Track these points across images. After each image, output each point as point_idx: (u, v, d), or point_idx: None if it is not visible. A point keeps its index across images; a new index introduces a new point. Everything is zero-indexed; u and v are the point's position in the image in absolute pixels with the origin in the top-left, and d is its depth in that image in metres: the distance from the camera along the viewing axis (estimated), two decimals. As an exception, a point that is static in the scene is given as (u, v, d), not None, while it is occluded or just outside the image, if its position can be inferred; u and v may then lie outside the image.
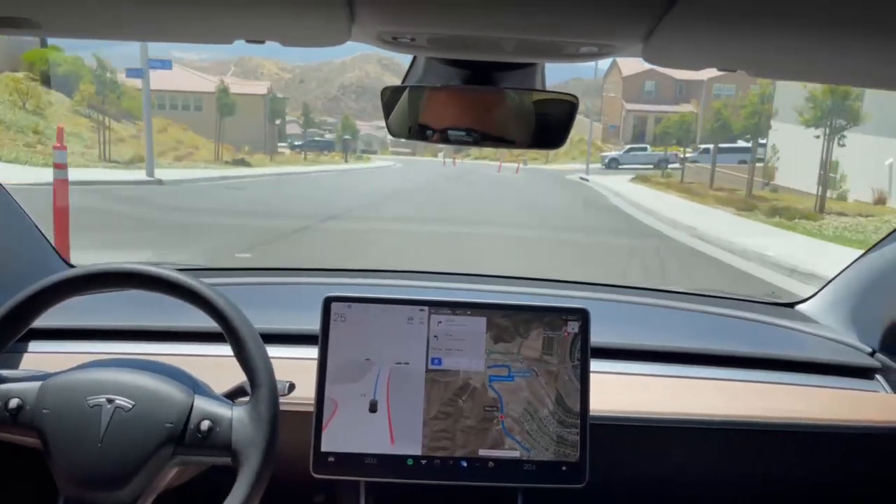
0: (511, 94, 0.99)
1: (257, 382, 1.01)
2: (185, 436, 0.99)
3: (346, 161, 37.10)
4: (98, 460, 0.98)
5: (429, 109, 1.01)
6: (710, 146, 29.64)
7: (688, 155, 31.57)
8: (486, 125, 0.99)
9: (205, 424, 0.99)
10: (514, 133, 1.02)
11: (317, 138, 45.67)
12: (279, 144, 40.86)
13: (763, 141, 28.44)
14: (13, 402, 1.01)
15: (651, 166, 32.61)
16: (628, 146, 39.00)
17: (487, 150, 44.66)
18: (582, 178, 26.94)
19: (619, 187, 21.35)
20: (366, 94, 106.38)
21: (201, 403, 1.02)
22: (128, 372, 1.03)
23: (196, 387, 1.05)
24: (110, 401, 0.99)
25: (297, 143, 42.24)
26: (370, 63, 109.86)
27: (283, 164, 29.48)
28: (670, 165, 31.39)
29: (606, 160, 35.55)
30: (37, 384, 1.02)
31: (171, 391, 1.02)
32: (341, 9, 0.61)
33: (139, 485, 0.98)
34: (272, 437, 0.99)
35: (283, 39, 0.73)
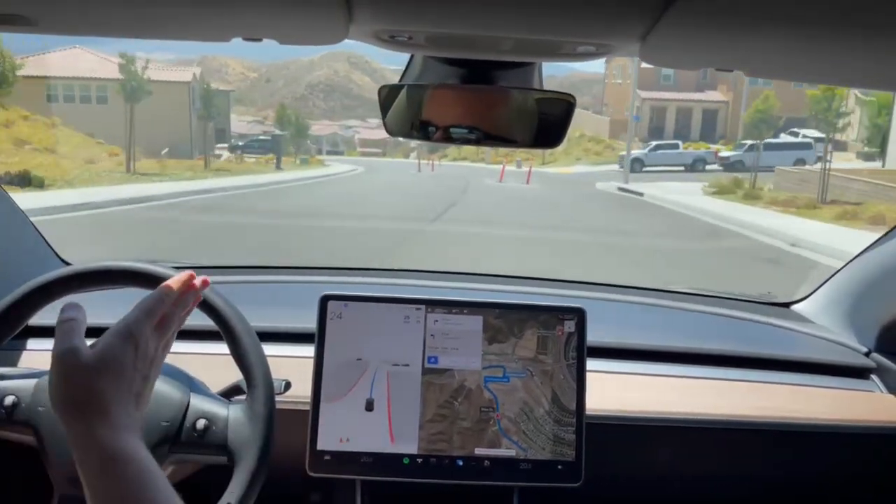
0: (513, 92, 0.99)
1: (253, 382, 1.00)
2: (181, 434, 0.99)
3: (278, 167, 25.98)
4: None
5: (430, 107, 1.00)
6: (760, 142, 24.17)
7: (727, 153, 26.65)
8: (488, 124, 0.99)
9: (201, 423, 0.99)
10: (515, 132, 1.01)
11: (261, 137, 37.98)
12: (220, 146, 34.20)
13: (818, 134, 21.44)
14: (9, 400, 1.00)
15: (682, 168, 27.53)
16: (654, 143, 31.05)
17: (467, 150, 40.85)
18: (624, 190, 19.02)
19: (722, 209, 13.78)
20: (334, 92, 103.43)
21: (197, 402, 1.02)
22: None
23: (192, 385, 1.05)
24: None
25: (239, 143, 35.14)
26: (339, 61, 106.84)
27: (155, 178, 17.37)
28: (708, 166, 26.59)
29: (627, 160, 28.79)
30: (32, 381, 1.02)
31: (167, 389, 1.01)
32: (339, 7, 0.61)
33: None
34: (268, 436, 0.98)
35: (281, 37, 0.73)
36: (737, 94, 38.88)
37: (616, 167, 28.51)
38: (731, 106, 41.19)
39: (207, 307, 1.02)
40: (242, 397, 1.03)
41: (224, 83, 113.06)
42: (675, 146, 29.96)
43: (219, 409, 1.02)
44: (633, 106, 33.35)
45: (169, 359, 1.06)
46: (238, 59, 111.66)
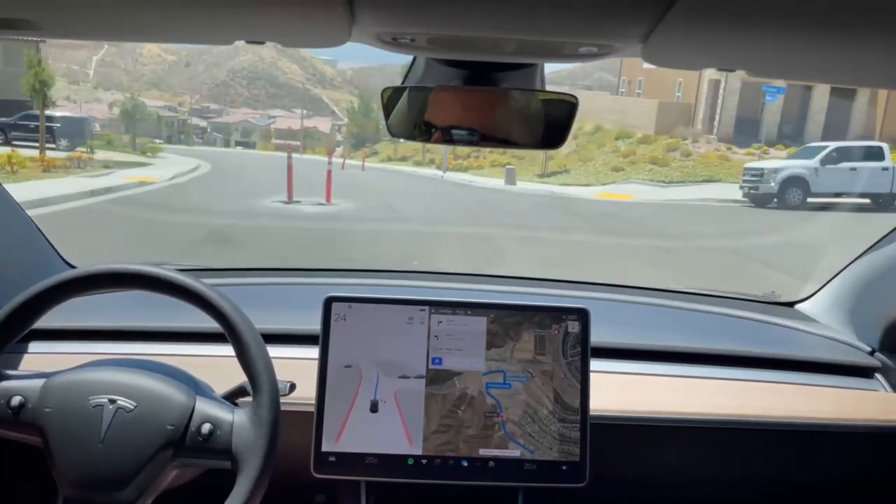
0: (514, 93, 1.00)
1: (259, 388, 1.01)
2: (185, 438, 1.00)
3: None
4: (98, 461, 0.98)
5: (432, 109, 1.00)
6: None
7: None
8: (490, 125, 1.00)
9: (206, 427, 1.00)
10: (517, 133, 1.02)
11: (58, 115, 24.09)
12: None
13: None
14: (16, 400, 1.01)
15: (867, 199, 14.45)
16: (833, 145, 15.58)
17: (408, 148, 30.93)
18: None
19: None
20: (259, 79, 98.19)
21: (203, 406, 1.02)
22: (130, 372, 1.03)
23: (198, 388, 1.05)
24: (112, 401, 1.00)
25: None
26: (265, 47, 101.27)
27: None
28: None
29: (774, 181, 14.61)
30: (39, 382, 1.03)
31: (173, 393, 1.02)
32: (342, 10, 0.62)
33: (139, 486, 0.98)
34: (272, 442, 0.99)
35: (284, 40, 0.74)
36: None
37: (737, 192, 15.68)
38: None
39: (214, 311, 1.02)
40: (247, 399, 1.03)
41: (138, 66, 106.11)
42: (877, 154, 14.92)
43: (224, 414, 1.01)
44: (715, 82, 20.02)
45: (174, 361, 1.09)
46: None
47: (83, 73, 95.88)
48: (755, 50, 0.70)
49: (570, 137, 1.03)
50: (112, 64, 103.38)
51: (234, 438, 0.98)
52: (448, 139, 0.99)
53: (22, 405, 1.00)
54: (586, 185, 18.32)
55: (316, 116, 61.89)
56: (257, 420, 0.99)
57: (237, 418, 1.00)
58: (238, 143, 48.05)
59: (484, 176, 22.13)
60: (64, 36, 0.77)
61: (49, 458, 0.99)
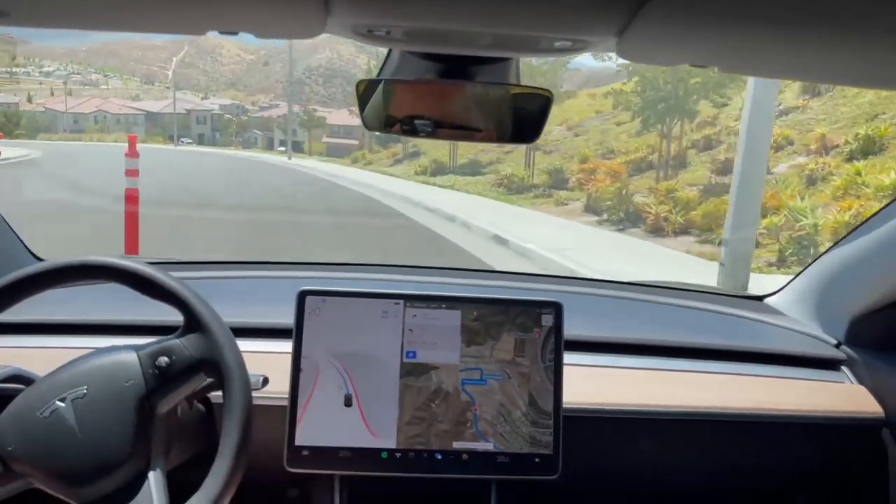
0: (486, 87, 0.99)
1: (189, 311, 1.01)
2: (149, 381, 0.99)
3: None
4: (88, 452, 0.96)
5: (402, 103, 1.00)
6: None
7: None
8: (464, 118, 1.00)
9: (161, 360, 1.00)
10: (487, 126, 1.01)
11: None
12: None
13: None
14: None
15: None
16: None
17: (470, 147, 29.99)
18: None
19: None
20: (335, 77, 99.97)
21: (147, 351, 1.02)
22: (62, 371, 1.02)
23: (136, 346, 1.04)
24: (62, 399, 0.98)
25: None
26: (343, 44, 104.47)
27: None
28: None
29: None
30: None
31: (114, 358, 1.01)
32: (317, 1, 0.61)
33: (140, 451, 0.97)
34: (229, 340, 1.00)
35: (257, 31, 0.72)
36: None
37: None
38: None
39: (173, 298, 1.02)
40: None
41: (218, 66, 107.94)
42: None
43: (169, 342, 1.02)
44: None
45: None
46: (234, 41, 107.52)
47: (163, 74, 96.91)
48: (731, 47, 0.70)
49: None
50: (191, 65, 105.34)
51: (190, 352, 0.99)
52: (424, 133, 0.99)
53: None
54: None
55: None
56: (201, 326, 1.00)
57: (184, 340, 1.01)
58: (284, 144, 37.84)
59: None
60: (33, 24, 0.74)
61: (44, 483, 0.97)
